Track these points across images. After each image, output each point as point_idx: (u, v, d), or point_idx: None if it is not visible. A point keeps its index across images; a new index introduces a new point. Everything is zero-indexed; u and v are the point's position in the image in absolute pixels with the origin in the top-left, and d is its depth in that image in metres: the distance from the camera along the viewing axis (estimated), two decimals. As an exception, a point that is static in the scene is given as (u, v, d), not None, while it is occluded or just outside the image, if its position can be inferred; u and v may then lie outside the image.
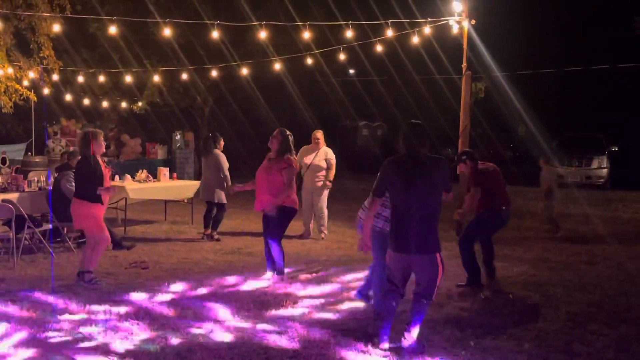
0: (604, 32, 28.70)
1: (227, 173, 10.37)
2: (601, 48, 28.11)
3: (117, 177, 11.96)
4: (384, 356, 5.16)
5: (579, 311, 6.55)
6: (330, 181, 10.63)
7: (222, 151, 10.58)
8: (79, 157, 7.80)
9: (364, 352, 5.21)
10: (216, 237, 10.42)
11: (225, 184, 10.34)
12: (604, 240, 10.89)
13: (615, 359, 5.24)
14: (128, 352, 5.16)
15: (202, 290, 7.17)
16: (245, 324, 5.92)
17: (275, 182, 7.49)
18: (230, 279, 7.70)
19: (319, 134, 10.72)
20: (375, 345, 5.28)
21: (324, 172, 10.59)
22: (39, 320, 5.95)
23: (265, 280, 7.59)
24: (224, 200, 10.45)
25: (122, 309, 6.35)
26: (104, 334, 5.58)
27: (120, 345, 5.32)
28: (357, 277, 7.71)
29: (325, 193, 10.68)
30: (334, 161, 10.67)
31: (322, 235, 10.67)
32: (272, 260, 7.69)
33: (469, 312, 6.48)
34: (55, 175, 9.52)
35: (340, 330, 5.76)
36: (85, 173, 7.40)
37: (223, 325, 5.87)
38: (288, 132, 7.69)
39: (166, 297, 6.87)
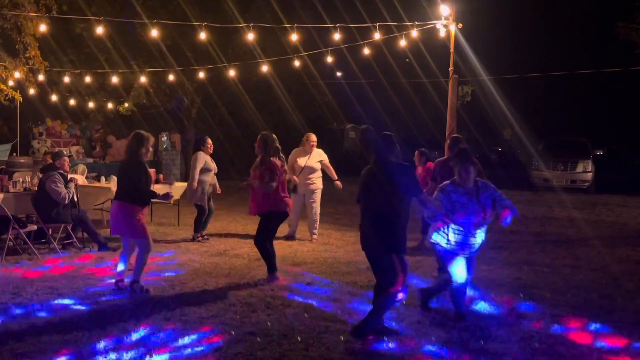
0: (588, 37, 28.96)
1: (194, 173, 10.28)
2: (586, 53, 28.36)
3: (102, 178, 11.90)
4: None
5: (563, 314, 6.59)
6: (337, 179, 10.79)
7: (211, 153, 10.60)
8: (127, 158, 7.23)
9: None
10: (198, 238, 10.42)
11: (204, 185, 10.35)
12: (589, 244, 10.97)
13: (598, 361, 5.29)
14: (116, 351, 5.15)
15: (187, 292, 7.17)
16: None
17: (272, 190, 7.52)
18: (216, 280, 7.70)
19: (314, 137, 10.69)
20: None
21: (317, 174, 10.60)
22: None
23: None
24: (198, 202, 10.41)
25: (108, 308, 6.34)
26: (89, 334, 5.56)
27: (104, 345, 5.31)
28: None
29: (319, 195, 10.69)
30: (327, 160, 10.75)
31: (314, 238, 10.65)
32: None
33: (454, 313, 6.50)
34: (40, 175, 9.44)
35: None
36: (135, 174, 7.05)
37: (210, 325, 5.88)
38: (271, 136, 7.69)
39: (151, 299, 6.85)
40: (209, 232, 10.80)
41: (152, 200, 7.38)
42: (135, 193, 7.07)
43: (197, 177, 10.28)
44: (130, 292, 7.03)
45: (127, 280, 7.23)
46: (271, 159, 7.58)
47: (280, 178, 7.62)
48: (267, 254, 7.65)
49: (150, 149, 7.41)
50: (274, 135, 7.79)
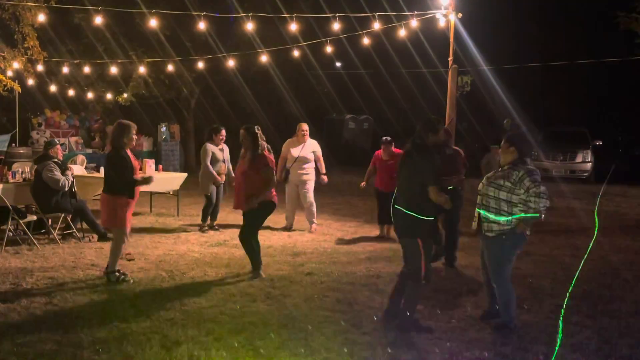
0: (589, 26, 28.86)
1: (207, 163, 10.26)
2: (586, 43, 28.27)
3: (102, 168, 11.88)
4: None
5: (562, 303, 6.59)
6: (324, 173, 10.71)
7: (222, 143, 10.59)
8: (110, 150, 7.36)
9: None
10: (204, 228, 10.45)
11: (211, 176, 10.29)
12: (588, 234, 10.96)
13: (597, 351, 5.30)
14: (115, 341, 5.17)
15: (187, 282, 7.18)
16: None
17: (254, 181, 7.32)
18: (215, 272, 7.71)
19: (306, 127, 10.69)
20: None
21: (310, 165, 10.59)
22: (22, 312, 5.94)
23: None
24: (207, 192, 10.40)
25: (107, 299, 6.36)
26: (89, 325, 5.58)
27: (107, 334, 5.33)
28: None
29: (312, 185, 10.68)
30: (320, 153, 10.71)
31: (313, 228, 10.65)
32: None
33: (453, 304, 6.53)
34: (36, 166, 9.41)
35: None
36: (117, 166, 7.18)
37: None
38: (256, 128, 7.52)
39: (151, 289, 6.87)
40: (207, 223, 10.78)
41: (137, 187, 7.34)
42: (118, 185, 7.18)
43: (210, 167, 10.24)
44: (107, 282, 7.10)
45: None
46: (264, 152, 7.41)
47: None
48: (253, 250, 7.45)
49: (134, 137, 7.41)
50: (259, 129, 7.57)
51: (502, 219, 5.60)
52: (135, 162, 7.38)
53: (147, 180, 7.53)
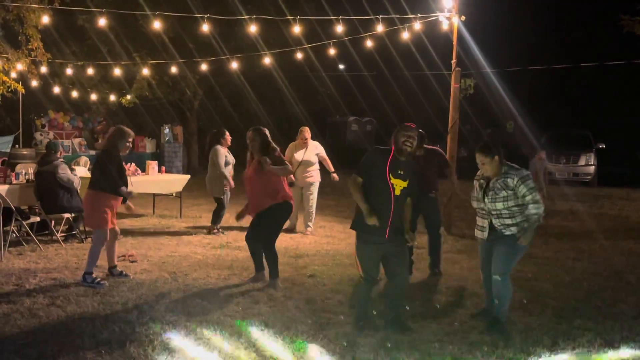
0: (592, 29, 28.83)
1: (222, 169, 10.18)
2: (589, 46, 28.23)
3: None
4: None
5: (564, 306, 6.60)
6: (333, 172, 10.84)
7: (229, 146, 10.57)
8: (105, 149, 7.38)
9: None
10: (214, 230, 10.43)
11: (223, 179, 10.27)
12: (591, 237, 10.96)
13: (599, 354, 5.29)
14: (117, 343, 5.17)
15: (190, 284, 7.18)
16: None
17: (271, 182, 7.16)
18: (218, 274, 7.71)
19: (307, 134, 10.66)
20: None
21: (314, 167, 10.63)
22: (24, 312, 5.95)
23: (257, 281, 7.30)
24: (218, 195, 10.37)
25: (110, 300, 6.37)
26: (92, 326, 5.58)
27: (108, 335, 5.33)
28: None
29: (316, 188, 10.72)
30: (324, 153, 10.77)
31: (309, 230, 10.67)
32: (261, 260, 7.37)
33: (456, 306, 6.52)
34: (39, 168, 9.41)
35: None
36: (107, 164, 7.16)
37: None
38: (263, 129, 7.42)
39: (154, 290, 6.87)
40: (208, 225, 10.78)
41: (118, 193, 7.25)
42: (104, 181, 7.12)
43: (225, 171, 10.20)
44: (81, 282, 7.04)
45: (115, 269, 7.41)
46: (276, 154, 7.30)
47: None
48: (274, 257, 7.19)
49: (129, 145, 7.49)
50: (267, 131, 7.47)
51: (519, 219, 5.71)
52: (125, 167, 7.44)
53: (128, 194, 7.31)
